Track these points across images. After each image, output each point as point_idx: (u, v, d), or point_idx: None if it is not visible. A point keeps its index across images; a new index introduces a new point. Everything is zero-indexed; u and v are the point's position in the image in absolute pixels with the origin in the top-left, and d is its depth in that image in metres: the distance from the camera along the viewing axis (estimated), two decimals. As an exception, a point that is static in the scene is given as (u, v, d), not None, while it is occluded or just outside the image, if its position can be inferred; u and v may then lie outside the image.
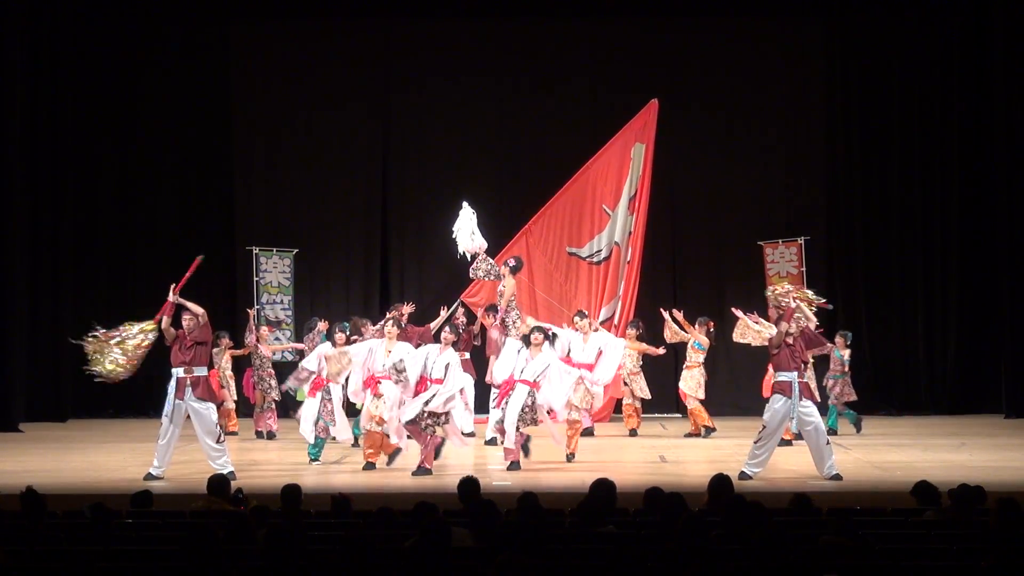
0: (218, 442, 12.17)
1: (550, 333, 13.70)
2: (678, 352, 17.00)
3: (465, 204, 15.77)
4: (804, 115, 19.28)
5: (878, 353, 18.91)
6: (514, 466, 12.63)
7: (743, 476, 11.75)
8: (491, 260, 15.48)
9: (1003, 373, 18.41)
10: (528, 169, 18.81)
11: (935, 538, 7.67)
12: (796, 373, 11.85)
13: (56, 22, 18.31)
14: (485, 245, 15.60)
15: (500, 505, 7.78)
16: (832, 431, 15.16)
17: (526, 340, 13.20)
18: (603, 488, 8.09)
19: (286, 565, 6.60)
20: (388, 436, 12.87)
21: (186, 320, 12.38)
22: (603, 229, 16.58)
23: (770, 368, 12.59)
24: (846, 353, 15.96)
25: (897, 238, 19.06)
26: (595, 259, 16.37)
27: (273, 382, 15.95)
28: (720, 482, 8.49)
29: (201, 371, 12.25)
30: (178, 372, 12.21)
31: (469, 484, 8.51)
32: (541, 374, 12.81)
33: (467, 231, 15.45)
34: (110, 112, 19.16)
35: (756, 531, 6.82)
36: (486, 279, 15.59)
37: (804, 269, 18.43)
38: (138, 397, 18.11)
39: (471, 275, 15.64)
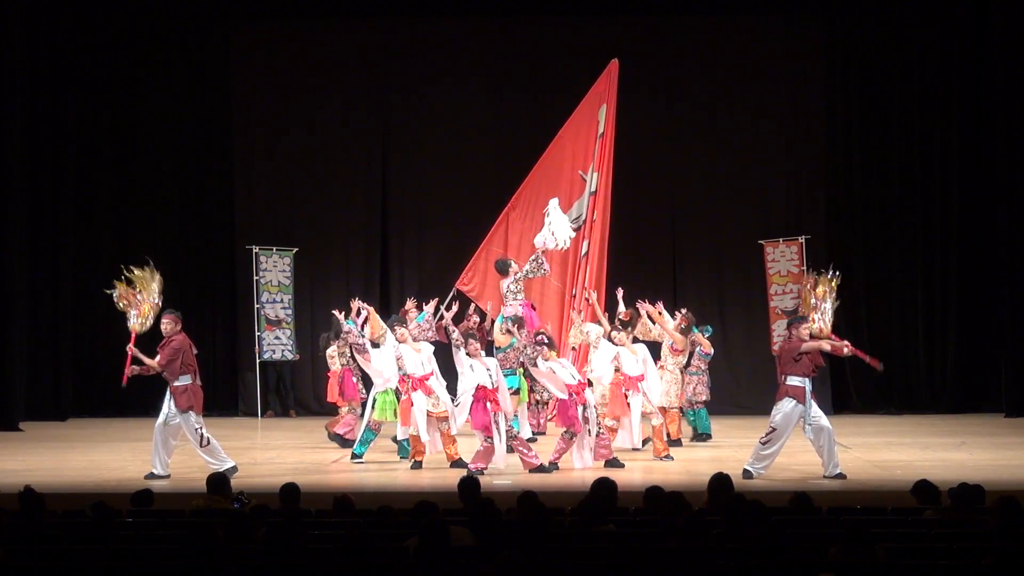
0: (202, 445, 12.18)
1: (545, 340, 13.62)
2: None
3: (553, 200, 15.58)
4: (804, 114, 19.25)
5: (878, 353, 18.79)
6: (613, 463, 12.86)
7: (747, 475, 11.74)
8: (542, 257, 15.37)
9: (1003, 372, 18.41)
10: (529, 169, 18.74)
11: (935, 538, 7.67)
12: (809, 380, 11.90)
13: (56, 22, 18.29)
14: (556, 245, 15.47)
15: (500, 505, 7.79)
16: (701, 432, 15.09)
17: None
18: (604, 487, 8.09)
19: (286, 564, 6.61)
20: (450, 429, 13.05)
21: (163, 325, 12.40)
22: (581, 194, 16.48)
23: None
24: (706, 346, 15.04)
25: (897, 238, 19.04)
26: (576, 225, 16.30)
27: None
28: (720, 481, 8.49)
29: (180, 381, 12.22)
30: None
31: (469, 483, 8.51)
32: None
33: (565, 228, 15.36)
34: (110, 112, 19.15)
35: (756, 531, 6.82)
36: (530, 276, 15.47)
37: (805, 268, 18.43)
38: (138, 397, 18.08)
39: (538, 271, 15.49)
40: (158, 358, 12.29)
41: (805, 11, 19.29)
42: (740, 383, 18.94)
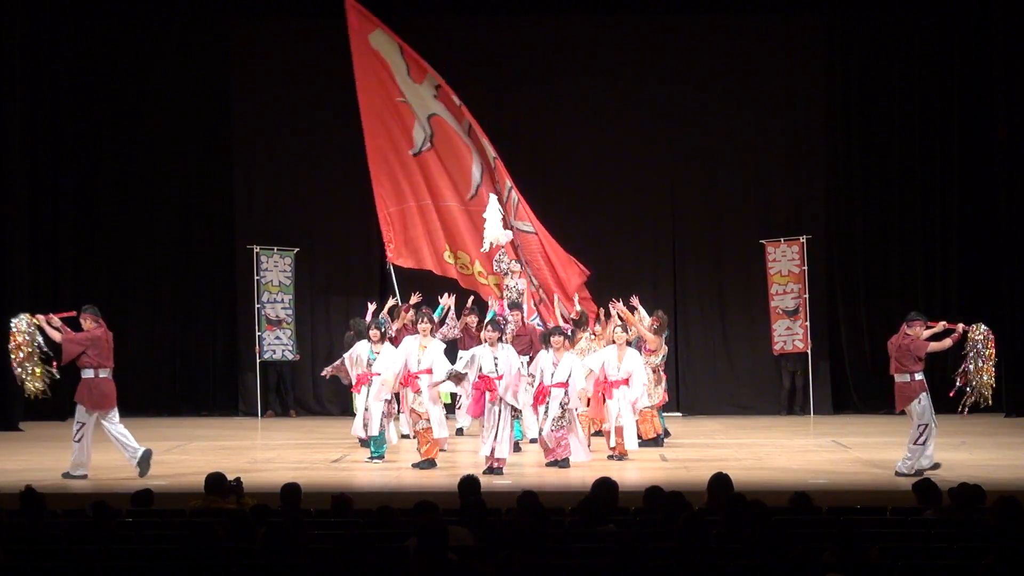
0: (76, 440, 12.09)
1: (568, 332, 13.63)
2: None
3: (492, 196, 15.68)
4: (805, 113, 19.24)
5: (878, 353, 18.83)
6: (561, 463, 12.76)
7: (919, 474, 11.85)
8: (505, 256, 15.42)
9: (1003, 372, 18.37)
10: (528, 166, 18.75)
11: (935, 538, 7.66)
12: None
13: (56, 21, 18.29)
14: (510, 237, 15.57)
15: (500, 504, 7.78)
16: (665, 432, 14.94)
17: (545, 342, 13.17)
18: (604, 487, 8.09)
19: (285, 564, 6.60)
20: (431, 429, 12.97)
21: (83, 325, 12.30)
22: (414, 118, 16.58)
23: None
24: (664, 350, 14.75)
25: (897, 237, 19.03)
26: (428, 144, 16.46)
27: None
28: (720, 481, 8.47)
29: (83, 373, 12.18)
30: None
31: (469, 482, 8.51)
32: (569, 375, 12.85)
33: (498, 223, 15.40)
34: (110, 111, 19.14)
35: (756, 530, 6.82)
36: (498, 271, 15.59)
37: (806, 268, 18.43)
38: (137, 396, 18.09)
39: (495, 267, 15.61)
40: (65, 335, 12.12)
41: (805, 11, 19.27)
42: (740, 383, 18.93)
